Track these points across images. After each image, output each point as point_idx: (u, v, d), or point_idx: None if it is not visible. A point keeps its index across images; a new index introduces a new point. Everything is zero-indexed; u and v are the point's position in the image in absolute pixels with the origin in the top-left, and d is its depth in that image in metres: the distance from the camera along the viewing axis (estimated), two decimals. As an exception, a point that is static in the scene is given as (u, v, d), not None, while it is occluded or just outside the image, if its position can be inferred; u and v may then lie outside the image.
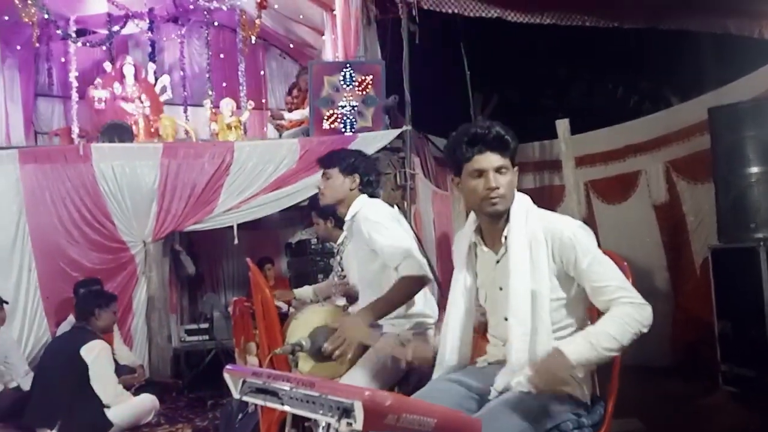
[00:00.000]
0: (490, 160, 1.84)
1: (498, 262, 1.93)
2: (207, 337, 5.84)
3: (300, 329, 2.41)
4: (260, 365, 2.96)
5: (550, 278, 1.82)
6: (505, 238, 1.88)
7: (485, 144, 1.84)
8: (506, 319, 1.86)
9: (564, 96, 7.18)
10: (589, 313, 1.93)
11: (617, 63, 7.01)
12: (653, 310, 1.78)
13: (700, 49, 6.03)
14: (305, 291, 3.84)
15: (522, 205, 1.90)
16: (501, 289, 1.91)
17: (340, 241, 3.65)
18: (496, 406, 1.73)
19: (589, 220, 5.66)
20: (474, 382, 1.89)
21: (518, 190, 1.93)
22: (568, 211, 4.56)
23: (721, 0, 4.95)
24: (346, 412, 1.30)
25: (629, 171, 5.84)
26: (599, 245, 1.86)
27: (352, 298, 2.89)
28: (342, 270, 3.58)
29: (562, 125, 4.97)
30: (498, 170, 1.84)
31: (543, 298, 1.81)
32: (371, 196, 2.69)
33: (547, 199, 5.96)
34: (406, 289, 2.40)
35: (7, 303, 4.44)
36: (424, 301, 2.58)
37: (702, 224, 5.08)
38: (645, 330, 1.75)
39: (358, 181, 2.66)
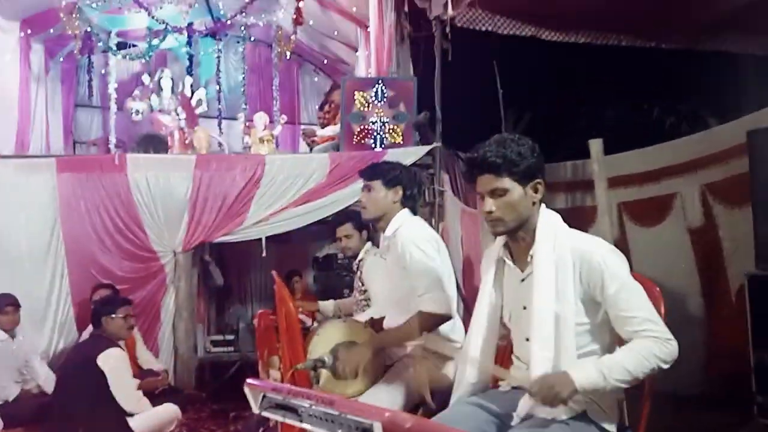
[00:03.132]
0: (484, 183, 1.84)
1: (523, 280, 1.89)
2: (232, 348, 5.88)
3: (321, 345, 2.40)
4: (282, 380, 2.95)
5: (576, 302, 1.78)
6: (531, 257, 1.85)
7: (477, 167, 1.85)
8: (528, 340, 1.81)
9: (598, 116, 7.09)
10: (617, 339, 1.87)
11: (653, 83, 6.90)
12: (687, 336, 1.74)
13: (739, 70, 5.90)
14: (328, 305, 3.83)
15: (550, 223, 1.86)
16: (525, 308, 1.86)
17: (360, 257, 3.64)
18: (520, 433, 1.69)
19: (622, 243, 5.55)
20: (496, 407, 1.84)
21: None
22: (600, 233, 4.46)
23: (762, 20, 4.84)
24: (365, 432, 1.28)
25: (664, 193, 5.71)
26: (631, 269, 1.81)
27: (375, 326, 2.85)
28: (363, 285, 3.57)
29: (595, 145, 4.89)
30: (493, 192, 1.82)
31: (567, 321, 1.76)
32: (412, 210, 2.66)
33: (579, 220, 5.86)
34: (423, 324, 2.36)
35: (20, 306, 4.48)
36: (451, 325, 2.53)
37: (738, 250, 4.92)
38: (665, 366, 1.70)
39: (401, 193, 2.62)
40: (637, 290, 1.76)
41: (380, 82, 5.51)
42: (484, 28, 5.18)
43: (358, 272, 3.65)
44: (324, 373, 2.34)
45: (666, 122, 7.13)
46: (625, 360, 1.69)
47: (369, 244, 3.71)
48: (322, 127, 6.53)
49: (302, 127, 8.03)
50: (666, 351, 1.69)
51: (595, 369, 1.68)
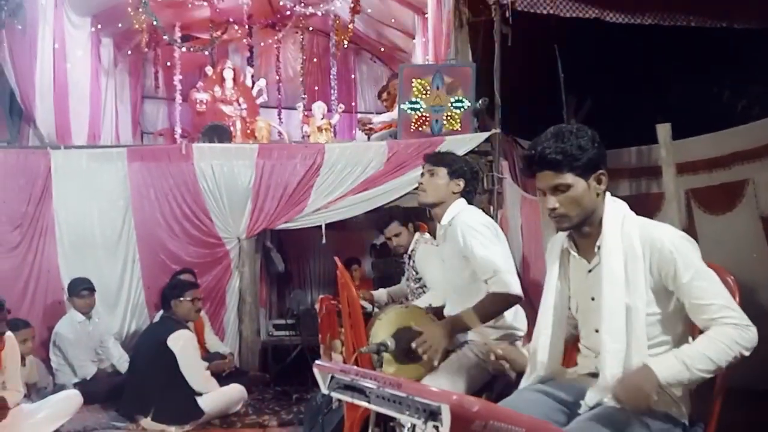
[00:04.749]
0: (545, 179, 1.79)
1: (590, 271, 1.85)
2: (293, 332, 6.00)
3: (383, 329, 2.44)
4: (345, 363, 3.00)
5: (647, 292, 1.73)
6: (598, 247, 1.81)
7: (537, 165, 1.80)
8: (597, 332, 1.78)
9: (664, 99, 6.81)
10: (690, 329, 1.82)
11: (724, 65, 6.58)
12: (759, 329, 1.67)
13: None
14: (381, 293, 3.90)
15: (617, 212, 1.81)
16: (593, 299, 1.83)
17: (411, 247, 3.70)
18: (587, 421, 1.67)
19: (690, 232, 5.33)
20: (563, 395, 1.83)
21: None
22: (667, 221, 4.31)
23: None
24: (433, 414, 1.30)
25: (735, 180, 5.47)
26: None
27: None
28: (417, 273, 3.63)
29: (663, 130, 4.72)
30: (555, 189, 1.77)
31: (638, 312, 1.71)
32: (468, 202, 2.69)
33: (644, 207, 5.66)
34: (494, 306, 2.41)
35: (95, 290, 4.76)
36: (514, 313, 2.54)
37: (817, 239, 4.69)
38: (746, 353, 1.65)
39: (462, 186, 2.67)
40: (711, 277, 1.71)
41: (438, 68, 5.48)
42: (545, 12, 5.07)
43: (411, 261, 3.73)
44: (386, 357, 2.38)
45: (737, 105, 6.78)
46: (707, 349, 1.63)
47: (417, 234, 3.78)
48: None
49: (359, 115, 8.10)
50: (747, 337, 1.64)
51: (677, 360, 1.64)
